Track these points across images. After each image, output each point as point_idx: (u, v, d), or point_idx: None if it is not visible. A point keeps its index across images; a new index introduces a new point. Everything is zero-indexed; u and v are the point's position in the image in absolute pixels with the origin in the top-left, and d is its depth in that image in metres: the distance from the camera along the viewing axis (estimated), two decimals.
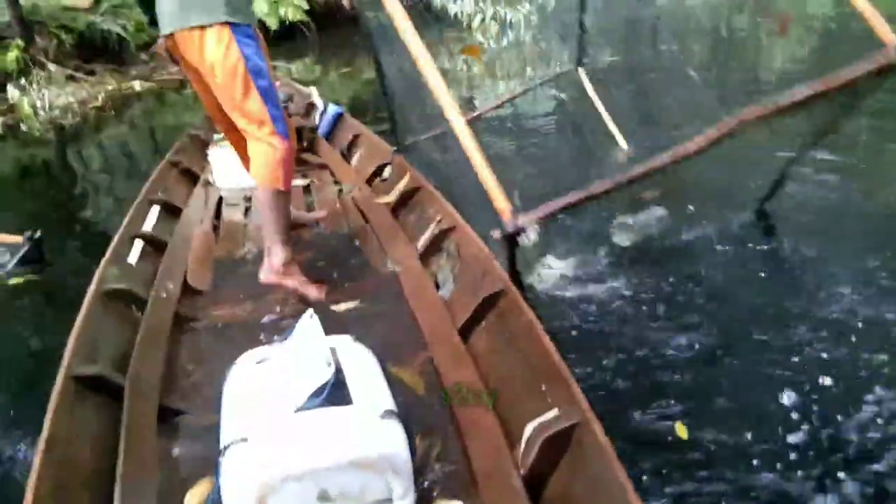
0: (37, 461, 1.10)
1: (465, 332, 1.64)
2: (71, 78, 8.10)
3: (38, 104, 7.42)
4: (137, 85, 8.44)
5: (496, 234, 1.60)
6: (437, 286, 1.92)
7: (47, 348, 2.26)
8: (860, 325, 2.10)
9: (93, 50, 8.79)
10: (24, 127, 6.89)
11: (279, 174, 1.90)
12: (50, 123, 6.98)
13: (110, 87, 8.26)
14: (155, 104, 7.93)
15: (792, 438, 1.69)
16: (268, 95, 1.87)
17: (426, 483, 1.25)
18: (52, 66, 8.08)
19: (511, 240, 1.58)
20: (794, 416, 1.76)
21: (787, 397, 1.82)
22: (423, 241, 2.11)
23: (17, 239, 3.05)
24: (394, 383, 1.37)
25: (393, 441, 1.20)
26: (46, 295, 2.88)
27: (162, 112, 7.73)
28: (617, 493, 1.01)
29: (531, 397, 1.31)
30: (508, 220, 1.56)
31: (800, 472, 1.60)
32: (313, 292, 1.95)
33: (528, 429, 1.24)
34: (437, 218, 2.13)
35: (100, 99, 7.67)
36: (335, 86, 7.63)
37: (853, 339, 2.04)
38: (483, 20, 10.71)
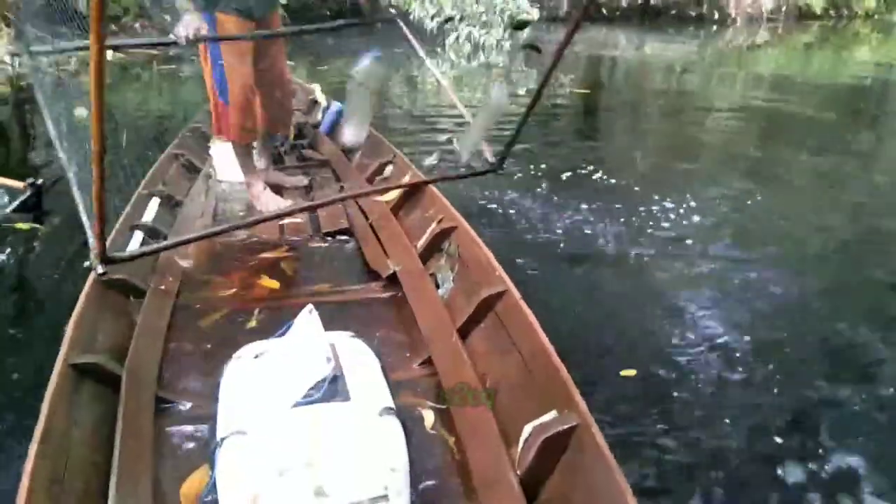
0: (32, 449, 1.09)
1: (465, 332, 1.63)
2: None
3: (8, 61, 7.31)
4: (109, 55, 8.41)
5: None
6: (437, 286, 1.92)
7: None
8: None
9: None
10: None
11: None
12: (21, 82, 6.91)
13: (81, 54, 8.17)
14: (124, 75, 7.89)
15: None
16: None
17: (422, 481, 1.25)
18: None
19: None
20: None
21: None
22: (423, 241, 2.11)
23: (19, 184, 3.10)
24: (392, 381, 1.36)
25: (390, 438, 1.20)
26: (51, 242, 2.91)
27: (132, 82, 7.72)
28: (615, 497, 1.01)
29: (530, 398, 1.31)
30: (97, 260, 1.54)
31: None
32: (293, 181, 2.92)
33: (526, 430, 1.23)
34: (438, 217, 2.13)
35: (72, 64, 7.58)
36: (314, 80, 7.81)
37: None
38: (457, 39, 10.79)
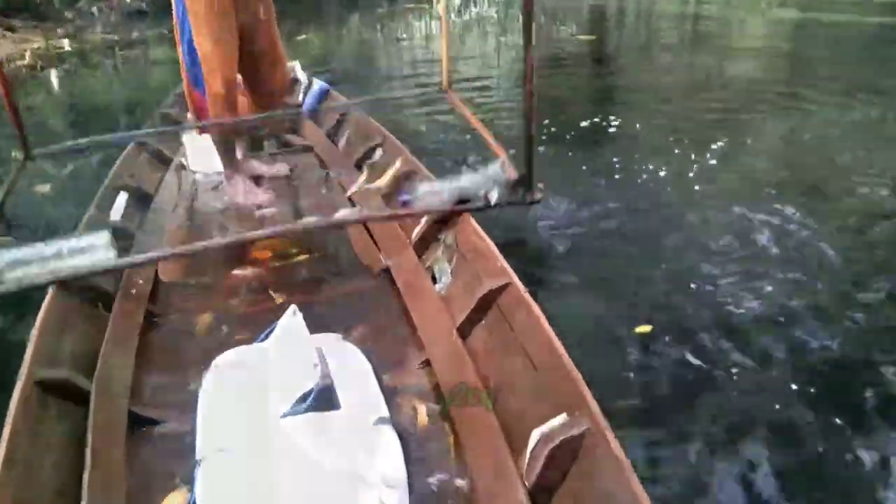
0: None
1: (465, 330, 1.55)
2: None
3: None
4: (67, 44, 8.33)
5: None
6: (434, 280, 1.83)
7: None
8: None
9: (12, 5, 8.58)
10: None
11: None
12: None
13: (37, 45, 8.08)
14: (86, 63, 7.73)
15: None
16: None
17: (422, 496, 1.18)
18: None
19: None
20: None
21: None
22: (417, 231, 2.01)
23: None
24: (386, 387, 1.32)
25: (386, 450, 1.17)
26: None
27: (96, 70, 7.53)
28: None
29: (537, 402, 1.23)
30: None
31: None
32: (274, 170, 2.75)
33: (534, 436, 1.16)
34: None
35: (27, 56, 7.41)
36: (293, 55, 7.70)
37: None
38: None
